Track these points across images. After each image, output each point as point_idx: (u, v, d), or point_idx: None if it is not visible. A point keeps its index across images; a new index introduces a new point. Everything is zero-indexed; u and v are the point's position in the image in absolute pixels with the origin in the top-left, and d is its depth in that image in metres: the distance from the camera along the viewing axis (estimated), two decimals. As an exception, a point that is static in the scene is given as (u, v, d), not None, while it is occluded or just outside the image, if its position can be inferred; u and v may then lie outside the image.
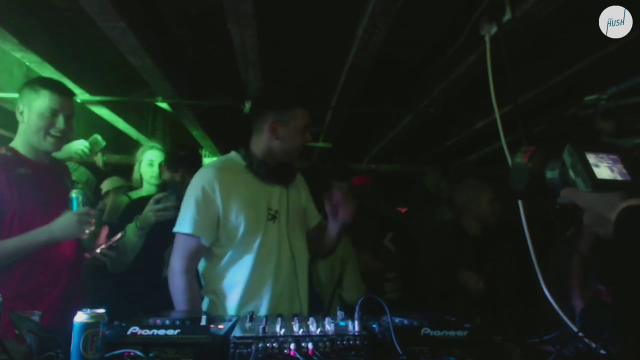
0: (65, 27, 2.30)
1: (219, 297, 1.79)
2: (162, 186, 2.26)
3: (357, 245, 2.72)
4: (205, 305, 1.83)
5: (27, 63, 2.29)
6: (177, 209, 2.09)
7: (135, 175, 2.90)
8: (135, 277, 2.22)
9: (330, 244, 2.00)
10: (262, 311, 1.73)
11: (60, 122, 1.89)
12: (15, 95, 2.60)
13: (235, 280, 1.77)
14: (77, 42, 2.44)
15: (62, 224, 1.78)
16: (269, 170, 1.82)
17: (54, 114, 1.88)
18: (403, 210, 4.35)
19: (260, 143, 1.85)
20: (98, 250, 1.91)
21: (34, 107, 1.87)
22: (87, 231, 1.83)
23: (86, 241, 2.00)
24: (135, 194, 2.81)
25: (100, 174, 3.30)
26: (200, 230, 1.72)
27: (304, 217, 2.00)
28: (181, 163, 2.51)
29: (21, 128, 1.93)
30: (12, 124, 3.24)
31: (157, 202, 2.12)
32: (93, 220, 1.86)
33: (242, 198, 1.76)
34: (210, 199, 1.73)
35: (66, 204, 1.82)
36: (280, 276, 1.79)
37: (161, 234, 2.25)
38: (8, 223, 1.77)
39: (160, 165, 2.77)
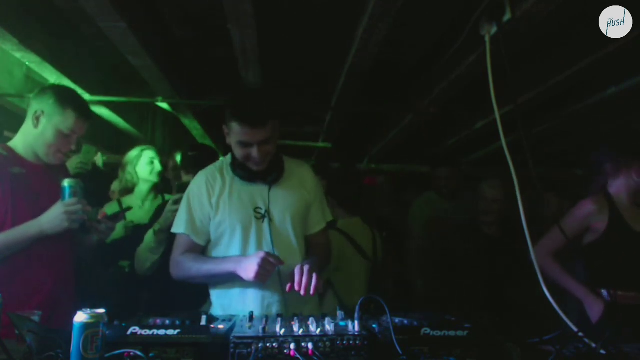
0: (65, 27, 2.30)
1: (215, 297, 1.85)
2: (179, 188, 2.27)
3: None
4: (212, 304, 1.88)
5: (27, 63, 2.29)
6: None
7: (127, 176, 2.93)
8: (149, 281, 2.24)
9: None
10: (248, 310, 1.66)
11: (72, 142, 1.86)
12: (16, 95, 2.62)
13: (223, 280, 1.79)
14: (77, 42, 2.44)
15: (50, 216, 1.71)
16: (247, 171, 1.80)
17: (71, 134, 1.84)
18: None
19: None
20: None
21: (54, 122, 1.81)
22: (77, 222, 1.74)
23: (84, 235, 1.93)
24: (127, 200, 2.83)
25: (100, 174, 3.29)
26: (190, 230, 1.80)
27: (303, 216, 1.89)
28: (193, 163, 2.48)
29: (28, 130, 1.84)
30: (11, 124, 3.25)
31: (176, 202, 2.13)
32: (88, 209, 1.77)
33: (230, 200, 1.80)
34: (200, 201, 1.81)
35: None
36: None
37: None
38: (0, 222, 1.71)
39: (176, 168, 2.75)
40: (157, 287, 2.28)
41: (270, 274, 1.62)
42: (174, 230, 1.82)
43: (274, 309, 1.73)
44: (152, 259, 2.17)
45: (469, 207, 3.14)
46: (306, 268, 1.56)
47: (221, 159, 1.95)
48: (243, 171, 1.80)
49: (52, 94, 1.83)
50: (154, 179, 2.86)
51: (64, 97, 1.84)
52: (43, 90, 1.86)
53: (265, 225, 1.79)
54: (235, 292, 1.78)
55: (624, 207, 2.35)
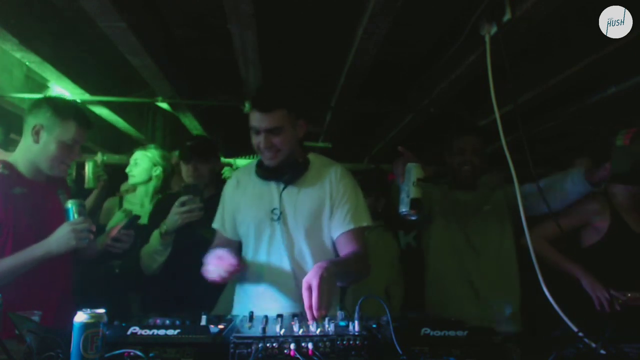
0: (65, 27, 2.30)
1: (236, 296, 1.90)
2: (185, 188, 2.23)
3: None
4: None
5: (27, 63, 2.29)
6: (201, 210, 2.07)
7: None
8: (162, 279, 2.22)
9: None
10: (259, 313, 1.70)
11: (75, 151, 1.86)
12: (16, 95, 2.62)
13: (243, 277, 1.84)
14: (77, 42, 2.44)
15: (57, 237, 1.72)
16: (263, 169, 1.80)
17: (74, 144, 1.84)
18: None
19: None
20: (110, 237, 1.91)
21: (55, 134, 1.79)
22: (85, 241, 1.75)
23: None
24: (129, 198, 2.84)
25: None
26: (219, 224, 1.92)
27: (318, 218, 1.78)
28: (190, 153, 2.41)
29: (28, 146, 1.82)
30: (11, 124, 3.25)
31: (183, 204, 2.07)
32: (93, 228, 1.79)
33: (249, 198, 1.83)
34: (228, 198, 1.91)
35: (62, 220, 1.75)
36: (278, 281, 1.77)
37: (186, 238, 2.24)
38: (1, 243, 1.71)
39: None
40: (151, 287, 2.25)
41: (224, 271, 1.60)
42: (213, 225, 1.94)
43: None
44: (159, 261, 2.15)
45: (490, 197, 2.37)
46: (315, 286, 1.33)
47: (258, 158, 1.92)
48: (260, 169, 1.80)
49: (48, 106, 1.80)
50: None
51: (61, 108, 1.82)
52: (37, 104, 1.84)
53: (279, 226, 1.77)
54: (252, 293, 1.81)
55: (623, 209, 2.37)
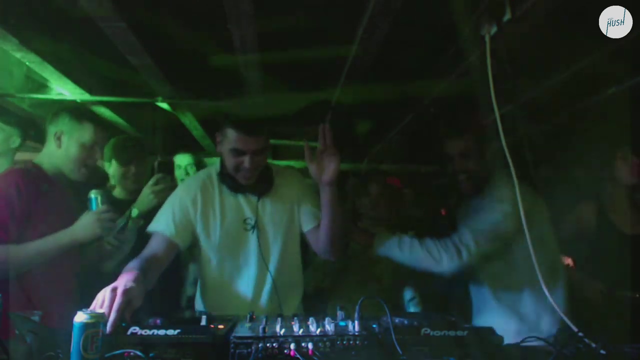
0: (65, 27, 2.30)
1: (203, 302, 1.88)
2: (160, 165, 2.23)
3: None
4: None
5: (27, 63, 2.29)
6: (172, 189, 2.10)
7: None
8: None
9: (327, 230, 1.71)
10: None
11: (96, 154, 1.97)
12: (16, 95, 2.62)
13: (212, 287, 1.85)
14: (77, 42, 2.44)
15: (82, 225, 1.82)
16: (236, 184, 1.80)
17: (93, 145, 1.95)
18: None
19: None
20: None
21: (75, 137, 1.92)
22: (108, 230, 1.88)
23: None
24: None
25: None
26: (163, 227, 1.76)
27: (293, 222, 1.87)
28: (132, 153, 2.37)
29: (52, 151, 1.94)
30: (28, 129, 3.25)
31: (157, 183, 2.09)
32: (113, 218, 1.90)
33: (217, 209, 1.81)
34: (186, 207, 1.80)
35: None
36: (255, 288, 1.81)
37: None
38: (28, 235, 1.79)
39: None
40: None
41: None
42: (150, 229, 1.79)
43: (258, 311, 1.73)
44: (124, 252, 2.06)
45: None
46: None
47: (208, 167, 1.95)
48: (232, 181, 1.80)
49: (66, 113, 1.95)
50: None
51: (78, 112, 1.98)
52: (55, 113, 1.99)
53: (254, 236, 1.80)
54: (225, 301, 1.83)
55: (611, 209, 2.37)
